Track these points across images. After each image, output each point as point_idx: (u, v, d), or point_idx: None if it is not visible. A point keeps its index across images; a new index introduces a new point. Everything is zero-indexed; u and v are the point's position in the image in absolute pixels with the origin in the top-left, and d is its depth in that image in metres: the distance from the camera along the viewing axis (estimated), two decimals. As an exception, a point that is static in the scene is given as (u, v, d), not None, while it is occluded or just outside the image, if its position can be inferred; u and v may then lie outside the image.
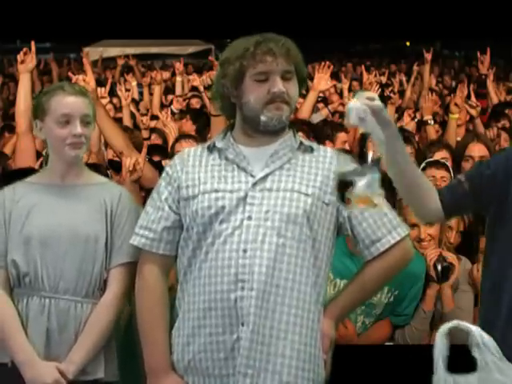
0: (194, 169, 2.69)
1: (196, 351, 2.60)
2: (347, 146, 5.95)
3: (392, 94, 7.19)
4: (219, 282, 2.57)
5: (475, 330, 2.09)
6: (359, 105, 2.33)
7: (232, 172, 2.65)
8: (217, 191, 2.62)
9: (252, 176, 2.63)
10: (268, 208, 2.59)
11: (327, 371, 2.68)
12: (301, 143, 2.72)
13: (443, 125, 6.66)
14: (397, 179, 2.50)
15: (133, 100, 7.43)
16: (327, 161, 2.69)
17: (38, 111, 2.91)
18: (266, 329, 2.55)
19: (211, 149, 2.73)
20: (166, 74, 10.89)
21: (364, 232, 2.67)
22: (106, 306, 2.84)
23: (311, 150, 2.72)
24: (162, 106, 8.29)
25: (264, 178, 2.63)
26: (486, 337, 2.07)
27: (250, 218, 2.58)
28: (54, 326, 2.80)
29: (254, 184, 2.61)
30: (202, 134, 5.79)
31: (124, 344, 2.95)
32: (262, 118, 2.63)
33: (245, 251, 2.56)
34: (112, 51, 16.61)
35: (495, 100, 7.82)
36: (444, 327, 2.15)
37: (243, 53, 2.62)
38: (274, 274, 2.56)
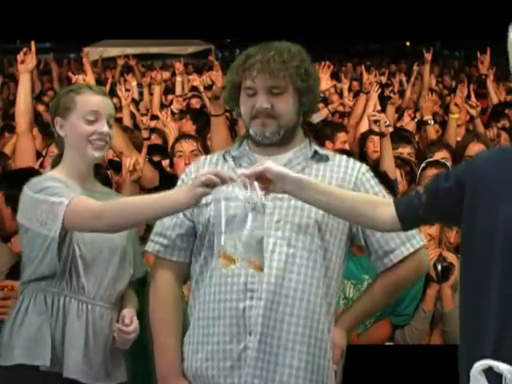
0: None
1: (203, 359, 2.59)
2: (347, 146, 5.94)
3: (392, 94, 7.19)
4: (228, 291, 2.56)
5: (505, 368, 2.05)
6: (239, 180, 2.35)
7: None
8: (228, 199, 2.62)
9: None
10: (279, 218, 2.57)
11: (338, 382, 2.65)
12: (315, 152, 2.69)
13: (443, 125, 6.67)
14: (329, 212, 2.50)
15: (133, 100, 7.41)
16: (341, 170, 2.66)
17: (60, 108, 2.86)
18: (274, 339, 2.53)
19: (226, 157, 2.72)
20: (166, 74, 10.89)
21: (377, 243, 2.63)
22: None
23: (326, 158, 2.69)
24: (162, 106, 8.29)
25: None
26: None
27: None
28: (90, 331, 2.79)
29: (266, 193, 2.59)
30: (201, 134, 5.79)
31: (135, 348, 2.96)
32: (250, 131, 2.65)
33: None
34: (112, 51, 16.61)
35: (495, 100, 7.83)
36: (476, 368, 2.10)
37: (235, 66, 2.64)
38: (283, 284, 2.54)
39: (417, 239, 2.66)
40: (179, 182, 2.75)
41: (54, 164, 2.94)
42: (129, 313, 2.83)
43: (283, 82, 2.59)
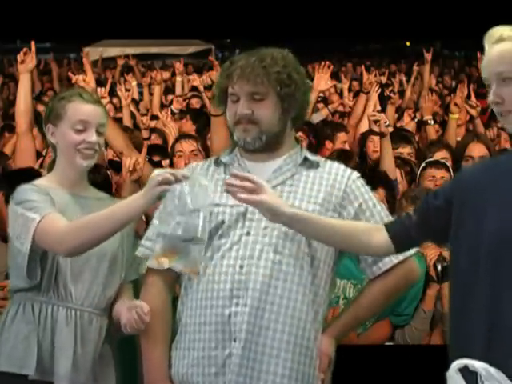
0: None
1: (189, 365, 2.59)
2: (347, 146, 5.95)
3: (392, 94, 7.19)
4: (215, 297, 2.56)
5: (479, 366, 2.07)
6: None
7: None
8: (218, 205, 2.61)
9: None
10: (267, 224, 2.57)
11: None
12: (305, 159, 2.68)
13: (443, 125, 6.66)
14: (325, 243, 2.54)
15: (133, 100, 7.42)
16: (331, 177, 2.65)
17: (51, 115, 2.87)
18: (259, 346, 2.53)
19: (218, 163, 2.72)
20: (166, 74, 10.89)
21: None
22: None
23: (317, 165, 2.68)
24: (162, 106, 8.28)
25: None
26: (492, 370, 2.06)
27: (248, 233, 2.58)
28: (79, 337, 2.79)
29: None
30: (201, 134, 5.78)
31: (124, 352, 2.96)
32: (234, 136, 2.66)
33: (241, 267, 2.55)
34: (112, 51, 16.60)
35: (495, 100, 7.81)
36: (453, 368, 2.11)
37: (221, 72, 2.68)
38: (268, 290, 2.54)
39: None
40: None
41: (49, 169, 2.95)
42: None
43: (263, 88, 2.59)
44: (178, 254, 2.41)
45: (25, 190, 2.78)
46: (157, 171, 2.54)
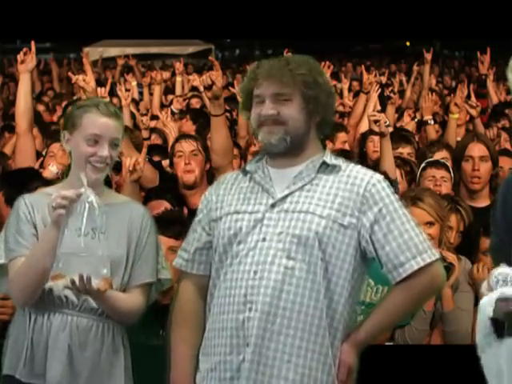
0: (225, 191, 2.73)
1: (209, 370, 2.63)
2: (347, 146, 5.94)
3: (392, 94, 7.18)
4: (231, 303, 2.60)
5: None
6: None
7: (256, 194, 2.67)
8: (238, 213, 2.65)
9: (273, 198, 2.63)
10: (282, 230, 2.59)
11: None
12: (324, 163, 2.66)
13: (443, 125, 6.66)
14: None
15: (133, 100, 7.41)
16: (350, 181, 2.63)
17: (68, 123, 2.91)
18: (270, 351, 2.54)
19: (245, 171, 2.74)
20: (166, 74, 10.88)
21: (386, 256, 2.59)
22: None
23: (338, 169, 2.66)
24: (162, 106, 8.28)
25: (283, 200, 2.62)
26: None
27: (264, 239, 2.60)
28: (76, 342, 2.81)
29: (273, 205, 2.62)
30: (202, 134, 5.78)
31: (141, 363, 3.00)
32: (259, 139, 2.68)
33: (255, 273, 2.57)
34: (112, 51, 16.62)
35: (495, 100, 7.83)
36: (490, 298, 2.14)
37: (246, 75, 2.71)
38: (281, 296, 2.55)
39: (428, 253, 2.61)
40: (202, 197, 2.83)
41: (66, 175, 3.01)
42: None
43: (288, 89, 2.61)
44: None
45: (13, 215, 2.86)
46: (53, 196, 2.70)
